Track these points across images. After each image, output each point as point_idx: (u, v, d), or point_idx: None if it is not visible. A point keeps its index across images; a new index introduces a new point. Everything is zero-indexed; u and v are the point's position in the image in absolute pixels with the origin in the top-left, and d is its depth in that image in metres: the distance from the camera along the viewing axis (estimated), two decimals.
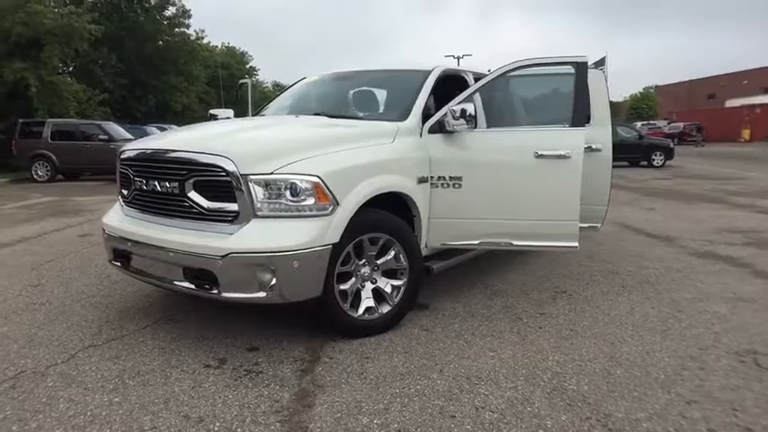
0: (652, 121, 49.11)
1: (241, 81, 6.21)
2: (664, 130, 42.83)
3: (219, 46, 49.63)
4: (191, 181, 3.32)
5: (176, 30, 33.44)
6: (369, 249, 3.63)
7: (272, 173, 3.17)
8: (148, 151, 3.66)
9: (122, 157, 3.83)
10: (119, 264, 3.84)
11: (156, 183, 3.49)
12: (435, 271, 4.18)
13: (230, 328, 3.83)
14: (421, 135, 4.10)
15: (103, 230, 3.99)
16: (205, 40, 39.24)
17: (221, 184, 3.22)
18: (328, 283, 3.37)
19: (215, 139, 3.68)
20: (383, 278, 3.76)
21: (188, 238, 3.30)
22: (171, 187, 3.40)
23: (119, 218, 3.92)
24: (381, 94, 4.74)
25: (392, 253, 3.72)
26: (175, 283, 3.42)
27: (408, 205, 3.92)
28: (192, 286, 3.33)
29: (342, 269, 3.50)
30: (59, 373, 3.20)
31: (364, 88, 4.83)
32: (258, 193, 3.16)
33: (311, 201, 3.20)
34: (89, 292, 4.78)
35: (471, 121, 3.88)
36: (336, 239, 3.29)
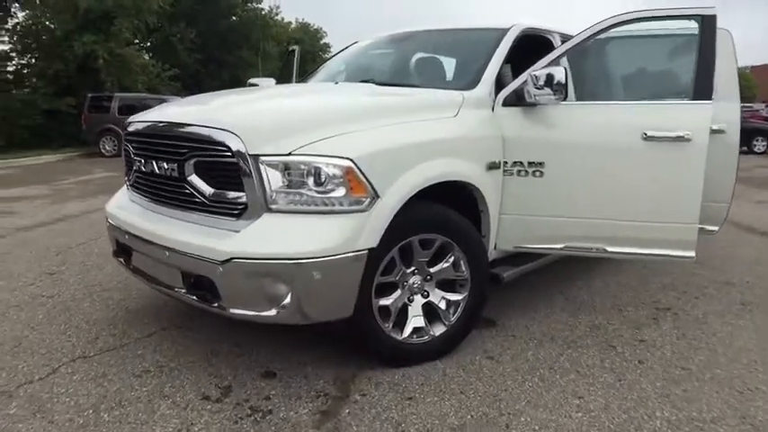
0: (748, 104, 45.19)
1: (290, 48, 5.47)
2: (762, 113, 39.28)
3: (294, 23, 49.49)
4: (191, 162, 2.59)
5: (249, 5, 33.36)
6: (420, 254, 2.80)
7: (289, 153, 2.39)
8: (147, 124, 2.95)
9: (126, 130, 3.15)
10: (121, 260, 3.19)
11: (154, 163, 2.79)
12: (506, 279, 3.31)
13: (247, 343, 3.11)
14: (493, 108, 3.21)
15: (107, 218, 3.35)
16: (279, 17, 39.16)
17: (226, 167, 2.47)
18: (364, 297, 2.58)
19: (223, 108, 2.95)
20: (438, 290, 2.93)
21: (185, 235, 2.58)
22: (169, 169, 2.69)
23: (121, 204, 3.27)
24: (445, 58, 3.85)
25: (450, 259, 2.89)
26: (176, 289, 2.72)
27: (474, 198, 3.06)
28: (193, 296, 2.62)
29: (383, 279, 2.70)
30: (29, 396, 2.59)
31: (425, 52, 3.96)
32: (272, 179, 2.39)
33: (341, 192, 2.40)
34: (105, 284, 4.20)
35: (560, 90, 2.95)
36: (374, 243, 2.48)
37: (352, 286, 2.48)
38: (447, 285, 2.95)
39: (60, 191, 9.45)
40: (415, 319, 2.87)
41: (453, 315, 2.95)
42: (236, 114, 2.69)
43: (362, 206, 2.43)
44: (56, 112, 18.48)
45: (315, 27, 52.22)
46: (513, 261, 3.50)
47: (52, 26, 19.53)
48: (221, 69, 31.35)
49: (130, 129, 3.08)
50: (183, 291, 2.65)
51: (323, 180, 2.39)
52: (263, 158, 2.38)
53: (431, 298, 2.91)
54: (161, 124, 2.83)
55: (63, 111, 18.55)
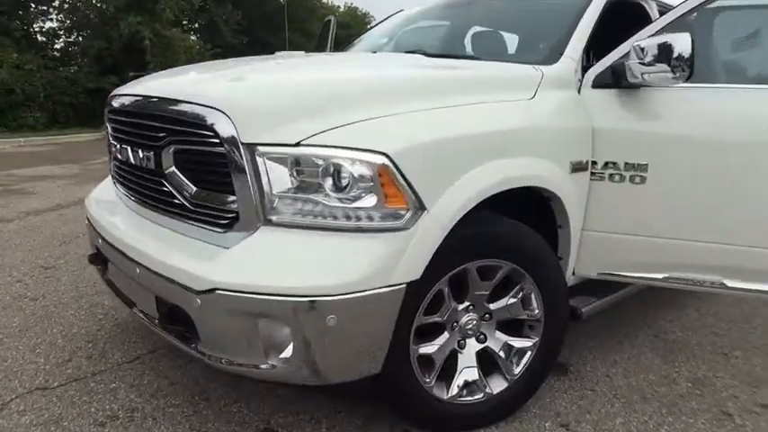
0: None
1: (327, 18, 4.74)
2: None
3: (342, 6, 48.96)
4: (169, 149, 1.90)
5: None
6: (477, 286, 2.05)
7: (298, 143, 1.67)
8: (131, 99, 2.25)
9: (109, 105, 2.47)
10: (99, 268, 2.54)
11: (129, 149, 2.12)
12: (585, 315, 2.52)
13: (249, 383, 2.43)
14: (579, 90, 2.42)
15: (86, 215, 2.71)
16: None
17: (211, 159, 1.77)
18: (399, 344, 1.85)
19: (212, 79, 2.23)
20: (499, 334, 2.18)
21: (160, 249, 1.91)
22: (145, 158, 2.01)
23: (104, 198, 2.63)
24: (515, 24, 3.04)
25: (519, 293, 2.13)
26: (150, 318, 2.05)
27: (551, 209, 2.29)
28: (169, 332, 1.94)
29: (425, 320, 1.97)
30: None
31: (489, 18, 3.16)
32: (273, 179, 1.68)
33: (371, 200, 1.67)
34: (99, 285, 3.58)
35: (682, 67, 2.13)
36: (417, 275, 1.74)
37: (382, 334, 1.76)
38: (511, 327, 2.20)
39: (87, 171, 9.04)
40: (467, 372, 2.13)
41: (518, 366, 2.20)
42: (227, 87, 1.97)
43: (401, 222, 1.70)
44: (100, 90, 18.28)
45: (363, 11, 51.57)
46: (591, 289, 2.71)
47: (99, 5, 19.34)
48: (265, 51, 31.04)
49: (114, 104, 2.40)
50: (157, 322, 1.98)
51: (345, 183, 1.66)
52: (261, 149, 1.67)
53: (488, 343, 2.17)
54: (138, 99, 2.13)
55: (107, 89, 18.32)
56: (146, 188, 2.08)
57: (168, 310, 1.91)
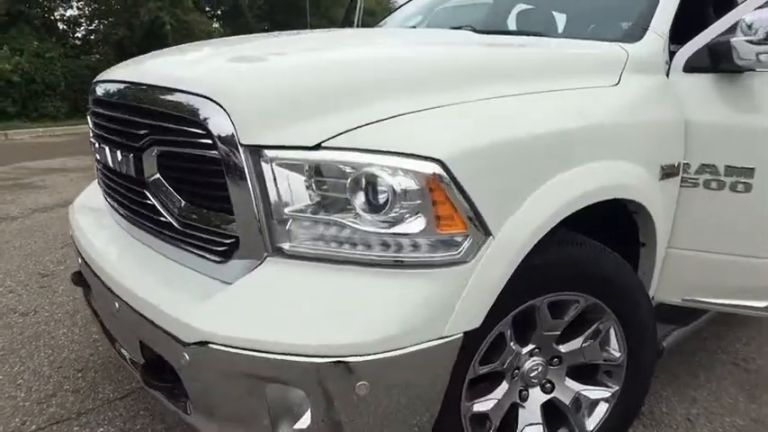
0: None
1: None
2: None
3: None
4: (152, 152, 1.48)
5: None
6: (546, 325, 1.60)
7: (319, 145, 1.23)
8: (110, 85, 1.82)
9: (93, 94, 2.04)
10: (83, 290, 2.14)
11: (107, 150, 1.70)
12: (666, 350, 2.06)
13: None
14: (668, 74, 1.94)
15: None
16: None
17: (204, 164, 1.34)
18: (449, 403, 1.41)
19: (205, 59, 1.78)
20: (570, 382, 1.73)
21: (143, 281, 1.49)
22: (123, 161, 1.59)
23: (91, 206, 2.22)
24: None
25: (598, 333, 1.68)
26: (133, 364, 1.64)
27: (635, 223, 1.82)
28: (152, 385, 1.53)
29: (480, 370, 1.53)
30: None
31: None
32: (284, 193, 1.25)
33: (418, 224, 1.23)
34: None
35: None
36: (477, 322, 1.30)
37: (430, 399, 1.32)
38: (585, 373, 1.75)
39: None
40: (530, 430, 1.69)
41: (592, 420, 1.75)
42: (224, 68, 1.53)
43: (458, 253, 1.25)
44: None
45: None
46: (668, 315, 2.24)
47: None
48: None
49: (97, 91, 1.97)
50: (139, 370, 1.56)
51: (383, 200, 1.22)
52: (268, 153, 1.24)
53: (556, 393, 1.72)
54: (139, 87, 1.68)
55: None
56: (129, 200, 1.66)
57: (153, 359, 1.49)
